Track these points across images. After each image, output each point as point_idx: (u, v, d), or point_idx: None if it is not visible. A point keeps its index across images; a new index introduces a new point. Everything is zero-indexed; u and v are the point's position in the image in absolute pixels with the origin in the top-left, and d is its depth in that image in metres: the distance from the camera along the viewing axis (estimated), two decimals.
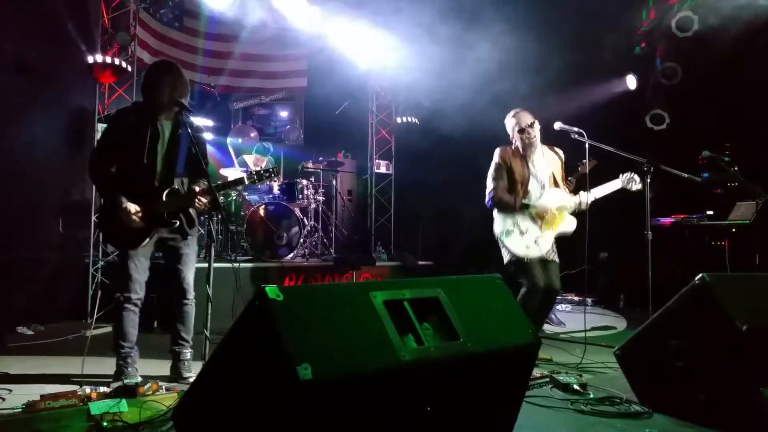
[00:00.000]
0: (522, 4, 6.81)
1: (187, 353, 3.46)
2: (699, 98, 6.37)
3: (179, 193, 3.34)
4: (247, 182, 3.49)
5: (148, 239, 3.28)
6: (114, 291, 3.37)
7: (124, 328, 3.29)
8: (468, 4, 7.02)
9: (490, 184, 4.10)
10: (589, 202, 4.02)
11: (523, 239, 3.98)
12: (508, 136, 4.19)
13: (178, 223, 3.34)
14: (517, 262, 3.99)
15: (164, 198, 3.29)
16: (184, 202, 3.32)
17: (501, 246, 4.10)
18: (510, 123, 4.14)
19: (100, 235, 5.54)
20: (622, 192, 4.06)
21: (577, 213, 4.15)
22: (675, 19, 6.52)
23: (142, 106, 3.38)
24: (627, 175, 4.04)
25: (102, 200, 3.49)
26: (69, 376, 3.42)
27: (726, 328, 2.53)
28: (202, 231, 6.22)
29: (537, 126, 4.09)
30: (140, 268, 3.32)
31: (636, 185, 4.02)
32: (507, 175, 4.06)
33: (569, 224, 4.09)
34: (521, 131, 4.05)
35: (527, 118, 4.06)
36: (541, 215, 4.00)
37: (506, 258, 4.08)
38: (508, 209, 4.03)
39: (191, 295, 3.48)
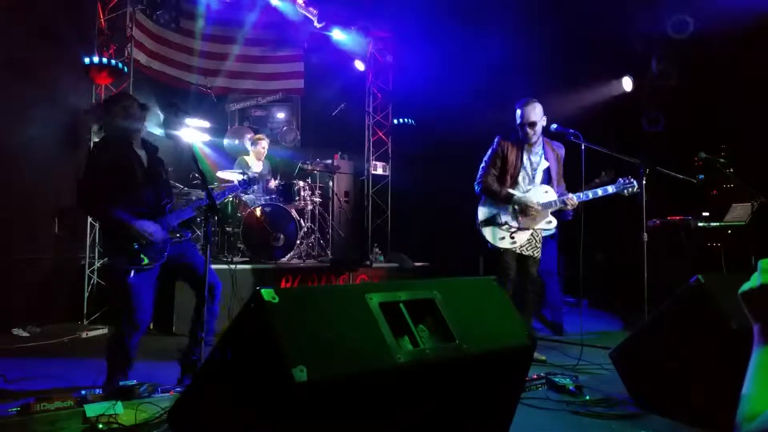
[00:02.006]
0: (520, 5, 6.82)
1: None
2: (695, 100, 6.39)
3: (177, 208, 3.47)
4: (240, 188, 3.80)
5: (166, 254, 3.30)
6: (122, 320, 3.23)
7: (127, 353, 3.23)
8: (465, 5, 7.03)
9: (481, 170, 4.23)
10: (577, 203, 4.05)
11: (499, 231, 4.12)
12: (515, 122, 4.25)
13: (190, 234, 3.45)
14: (492, 251, 4.14)
15: (168, 212, 3.39)
16: (185, 215, 3.45)
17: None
18: (517, 113, 4.18)
19: (113, 260, 5.52)
20: (617, 197, 4.08)
21: (572, 214, 4.18)
22: (671, 20, 6.54)
23: (112, 140, 3.38)
24: (623, 180, 4.06)
25: (108, 228, 3.36)
26: (65, 378, 3.41)
27: (721, 329, 2.54)
28: (199, 232, 6.22)
29: (538, 127, 4.12)
30: (149, 293, 3.30)
31: (632, 190, 4.04)
32: (500, 164, 4.17)
33: (550, 224, 4.16)
34: (521, 126, 4.12)
35: (531, 117, 4.08)
36: (523, 210, 4.06)
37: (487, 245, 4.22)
38: (493, 197, 4.15)
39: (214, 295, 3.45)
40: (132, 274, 3.18)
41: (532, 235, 4.12)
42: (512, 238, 4.10)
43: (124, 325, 3.21)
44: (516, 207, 4.10)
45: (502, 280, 3.97)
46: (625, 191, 4.04)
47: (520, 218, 4.11)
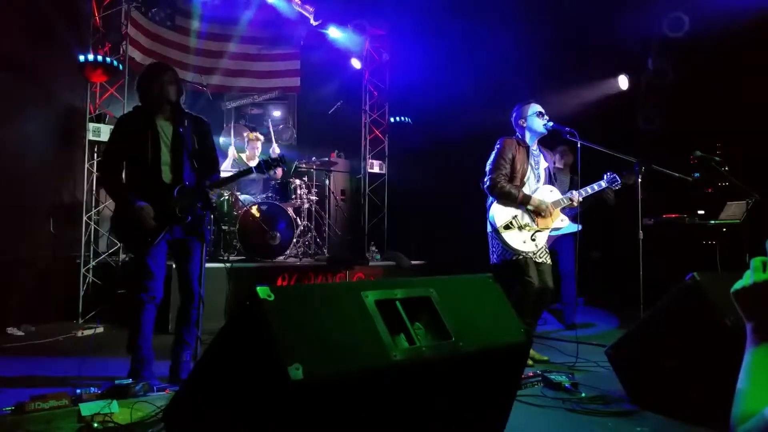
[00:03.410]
0: (516, 3, 6.82)
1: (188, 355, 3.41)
2: (690, 98, 6.42)
3: (189, 189, 3.34)
4: (255, 173, 3.50)
5: (161, 237, 3.28)
6: (133, 291, 3.33)
7: (143, 328, 3.27)
8: (462, 3, 7.03)
9: (491, 172, 4.03)
10: (580, 199, 4.07)
11: (521, 234, 3.95)
12: (512, 126, 4.20)
13: (190, 218, 3.33)
14: (510, 261, 3.95)
15: (175, 195, 3.31)
16: (195, 197, 3.30)
17: (494, 240, 4.02)
18: (524, 109, 4.12)
19: (114, 237, 5.61)
20: (608, 190, 4.15)
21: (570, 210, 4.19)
22: (667, 19, 6.56)
23: (140, 109, 3.42)
24: (609, 175, 4.13)
25: (115, 204, 3.54)
26: (59, 376, 3.40)
27: (716, 327, 2.54)
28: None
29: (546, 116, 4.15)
30: (158, 266, 3.32)
31: (617, 185, 4.14)
32: (509, 165, 4.02)
33: (563, 222, 4.13)
34: (538, 116, 4.05)
35: (538, 107, 4.11)
36: (539, 210, 3.99)
37: (496, 255, 4.03)
38: (509, 200, 3.96)
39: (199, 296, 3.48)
40: (145, 249, 3.27)
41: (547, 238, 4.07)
42: (533, 240, 3.95)
43: (137, 289, 3.27)
44: (531, 208, 3.98)
45: (528, 294, 3.84)
46: (613, 185, 4.14)
47: (537, 219, 3.99)
